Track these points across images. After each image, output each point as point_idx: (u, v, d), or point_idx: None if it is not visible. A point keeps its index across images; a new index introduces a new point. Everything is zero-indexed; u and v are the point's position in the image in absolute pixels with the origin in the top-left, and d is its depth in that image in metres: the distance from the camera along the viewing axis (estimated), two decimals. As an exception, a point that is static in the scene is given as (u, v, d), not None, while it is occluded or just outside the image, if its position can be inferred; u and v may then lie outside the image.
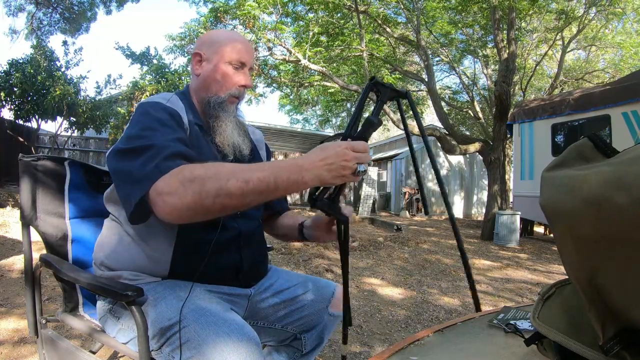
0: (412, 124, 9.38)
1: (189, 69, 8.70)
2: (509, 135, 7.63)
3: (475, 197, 14.42)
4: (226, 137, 0.99)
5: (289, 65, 9.83)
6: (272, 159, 1.24)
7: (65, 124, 8.76)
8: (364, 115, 0.84)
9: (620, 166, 0.37)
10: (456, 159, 13.83)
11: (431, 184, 13.74)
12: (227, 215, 0.94)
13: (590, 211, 0.38)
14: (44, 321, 1.15)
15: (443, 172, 13.96)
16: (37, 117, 8.31)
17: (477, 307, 0.91)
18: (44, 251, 1.16)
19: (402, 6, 8.87)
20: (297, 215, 1.17)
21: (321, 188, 0.85)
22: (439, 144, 8.21)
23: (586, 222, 0.38)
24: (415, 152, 0.97)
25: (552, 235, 6.91)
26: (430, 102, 10.45)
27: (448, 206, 0.96)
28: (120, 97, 9.12)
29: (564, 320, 0.50)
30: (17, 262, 3.36)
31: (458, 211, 13.97)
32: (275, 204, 1.19)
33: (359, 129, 0.84)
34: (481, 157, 8.88)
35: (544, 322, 0.52)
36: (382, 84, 0.90)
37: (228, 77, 0.98)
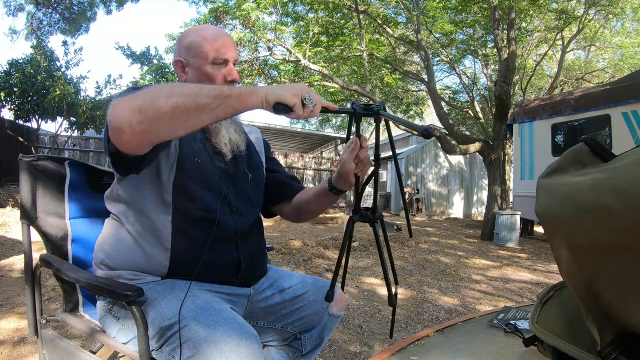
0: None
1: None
2: (509, 136, 7.63)
3: (475, 197, 14.42)
4: (222, 136, 0.99)
5: (289, 65, 9.82)
6: (273, 156, 1.23)
7: (65, 124, 8.76)
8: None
9: (615, 173, 0.37)
10: (456, 159, 13.84)
11: (431, 184, 13.74)
12: (222, 212, 0.94)
13: (585, 219, 0.37)
14: (44, 321, 1.15)
15: (443, 172, 13.98)
16: (37, 117, 8.31)
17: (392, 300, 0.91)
18: (44, 251, 1.16)
19: (402, 6, 8.88)
20: (309, 188, 1.13)
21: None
22: (439, 144, 8.21)
23: (582, 230, 0.38)
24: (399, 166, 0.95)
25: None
26: (430, 102, 10.45)
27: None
28: (120, 97, 9.11)
29: (562, 324, 0.50)
30: (17, 262, 3.36)
31: (458, 211, 13.98)
32: (291, 186, 1.16)
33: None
34: (481, 157, 8.89)
35: (542, 325, 0.52)
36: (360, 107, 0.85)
37: (214, 77, 0.98)
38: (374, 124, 0.87)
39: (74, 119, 8.48)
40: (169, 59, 9.88)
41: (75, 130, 8.86)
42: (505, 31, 7.55)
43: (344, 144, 0.97)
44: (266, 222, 7.69)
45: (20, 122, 8.53)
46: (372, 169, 0.92)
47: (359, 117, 0.85)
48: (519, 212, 6.62)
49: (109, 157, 0.81)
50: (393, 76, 10.29)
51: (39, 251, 1.22)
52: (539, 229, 8.62)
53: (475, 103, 11.35)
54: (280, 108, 0.75)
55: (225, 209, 0.97)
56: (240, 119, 1.08)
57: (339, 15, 9.26)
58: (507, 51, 7.32)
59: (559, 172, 0.46)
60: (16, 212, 5.95)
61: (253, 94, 0.75)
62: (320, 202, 1.09)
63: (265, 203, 1.15)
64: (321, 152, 16.76)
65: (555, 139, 6.74)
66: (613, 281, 0.38)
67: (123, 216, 0.96)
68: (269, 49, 8.54)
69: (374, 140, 0.91)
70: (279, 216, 1.21)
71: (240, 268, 0.98)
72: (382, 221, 0.88)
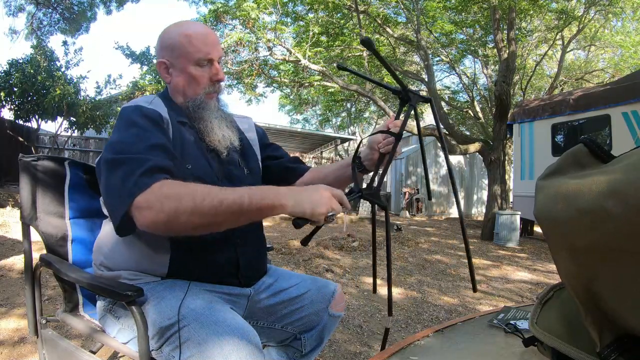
0: (412, 124, 9.39)
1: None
2: (509, 135, 7.63)
3: (475, 197, 14.43)
4: (214, 135, 0.98)
5: (289, 65, 9.82)
6: (270, 142, 1.21)
7: (65, 124, 8.77)
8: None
9: (614, 174, 0.37)
10: (456, 159, 13.83)
11: (431, 184, 13.72)
12: None
13: (584, 221, 0.37)
14: (44, 321, 1.15)
15: (443, 172, 13.97)
16: (37, 117, 8.32)
17: (474, 288, 0.97)
18: (44, 251, 1.16)
19: (402, 6, 8.88)
20: (325, 165, 1.15)
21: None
22: (439, 144, 8.22)
23: (581, 232, 0.38)
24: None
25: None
26: (430, 102, 10.43)
27: (459, 205, 0.98)
28: (120, 97, 9.12)
29: (562, 325, 0.50)
30: (17, 262, 3.36)
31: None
32: (295, 170, 1.15)
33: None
34: (481, 157, 8.89)
35: (542, 326, 0.52)
36: (411, 91, 0.91)
37: (199, 78, 0.97)
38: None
39: (74, 119, 8.49)
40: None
41: (75, 130, 8.86)
42: (505, 31, 7.55)
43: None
44: (266, 222, 7.67)
45: (20, 122, 8.53)
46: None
47: (405, 100, 0.91)
48: (519, 212, 6.62)
49: (117, 229, 0.81)
50: (393, 76, 10.27)
51: (39, 251, 1.22)
52: (539, 229, 8.62)
53: (475, 103, 11.35)
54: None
55: None
56: (229, 110, 1.07)
57: (339, 15, 9.26)
58: (507, 51, 7.32)
59: (557, 173, 0.46)
60: (16, 212, 5.95)
61: (275, 209, 0.77)
62: (336, 177, 1.09)
63: None
64: (321, 152, 16.77)
65: (555, 139, 6.74)
66: (612, 283, 0.38)
67: None
68: (269, 49, 8.54)
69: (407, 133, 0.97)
70: (278, 215, 1.21)
71: (240, 268, 0.98)
72: (378, 198, 0.89)
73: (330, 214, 0.78)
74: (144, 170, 0.77)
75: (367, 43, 0.78)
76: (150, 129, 0.86)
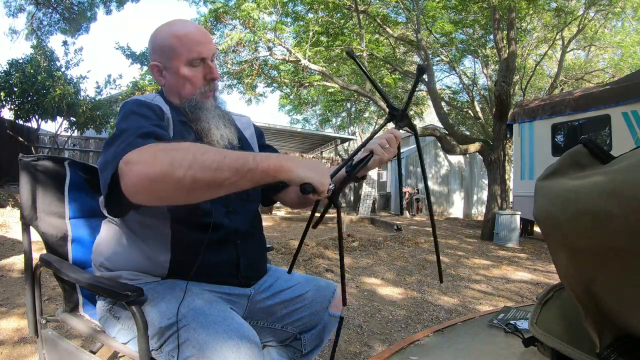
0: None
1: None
2: (509, 136, 7.63)
3: (475, 197, 14.43)
4: (212, 135, 0.98)
5: (289, 65, 9.82)
6: (267, 143, 1.20)
7: (65, 124, 8.76)
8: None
9: (614, 175, 0.37)
10: (456, 159, 13.84)
11: (431, 184, 13.74)
12: (218, 214, 0.93)
13: (584, 222, 0.37)
14: (44, 321, 1.15)
15: (443, 171, 13.98)
16: (37, 117, 8.31)
17: (441, 279, 0.99)
18: (44, 251, 1.16)
19: (402, 6, 8.88)
20: None
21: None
22: (439, 144, 8.23)
23: (580, 233, 0.38)
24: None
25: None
26: (430, 102, 10.45)
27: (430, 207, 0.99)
28: (120, 97, 9.12)
29: (562, 325, 0.50)
30: (17, 262, 3.36)
31: (458, 211, 13.97)
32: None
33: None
34: (481, 157, 8.89)
35: (542, 327, 0.52)
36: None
37: (193, 79, 0.95)
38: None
39: (74, 119, 8.48)
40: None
41: (75, 130, 8.86)
42: (505, 31, 7.55)
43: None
44: (266, 222, 7.67)
45: (20, 122, 8.52)
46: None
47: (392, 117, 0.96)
48: (519, 212, 6.62)
49: (106, 198, 0.75)
50: (393, 76, 10.30)
51: (39, 251, 1.22)
52: (539, 229, 8.61)
53: (475, 103, 11.35)
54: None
55: (222, 209, 0.96)
56: (227, 108, 1.06)
57: (338, 15, 9.26)
58: (507, 51, 7.32)
59: (557, 174, 0.46)
60: (16, 212, 5.95)
61: (282, 171, 0.73)
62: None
63: (266, 192, 1.14)
64: (321, 152, 16.77)
65: (555, 139, 6.74)
66: (612, 283, 0.38)
67: (120, 220, 0.95)
68: (269, 49, 8.54)
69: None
70: (278, 215, 1.20)
71: (240, 268, 0.98)
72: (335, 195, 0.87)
73: (332, 186, 0.78)
74: (141, 133, 0.74)
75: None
76: (151, 117, 0.85)
